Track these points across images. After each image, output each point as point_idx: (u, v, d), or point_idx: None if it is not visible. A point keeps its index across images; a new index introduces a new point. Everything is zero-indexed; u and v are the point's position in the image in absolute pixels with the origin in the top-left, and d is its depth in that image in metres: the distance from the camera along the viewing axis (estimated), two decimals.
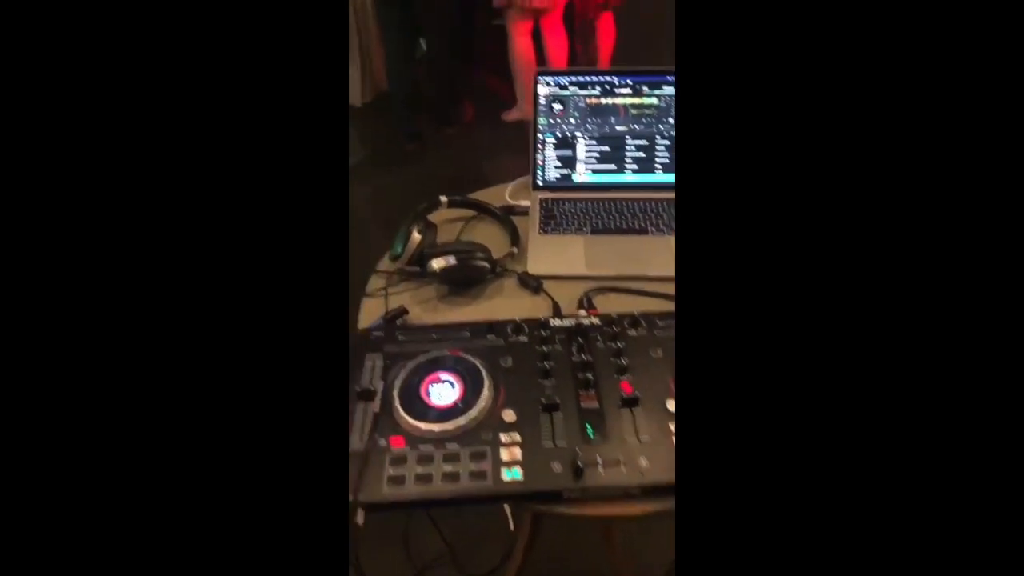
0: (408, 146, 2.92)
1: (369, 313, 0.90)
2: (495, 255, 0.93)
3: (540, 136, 1.11)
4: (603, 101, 1.08)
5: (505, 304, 0.92)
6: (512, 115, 3.06)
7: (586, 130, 1.10)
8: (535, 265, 0.97)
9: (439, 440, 0.69)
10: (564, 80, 1.09)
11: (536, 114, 1.10)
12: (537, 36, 2.81)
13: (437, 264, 0.88)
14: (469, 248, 0.90)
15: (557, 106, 1.09)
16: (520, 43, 2.78)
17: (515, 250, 0.98)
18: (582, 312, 0.86)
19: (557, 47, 2.86)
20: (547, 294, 0.92)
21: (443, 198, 1.05)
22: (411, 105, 2.90)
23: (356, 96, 3.27)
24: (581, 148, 1.11)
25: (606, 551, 1.30)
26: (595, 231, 1.03)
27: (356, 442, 0.68)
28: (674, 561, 0.70)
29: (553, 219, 1.06)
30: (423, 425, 0.69)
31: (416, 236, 0.91)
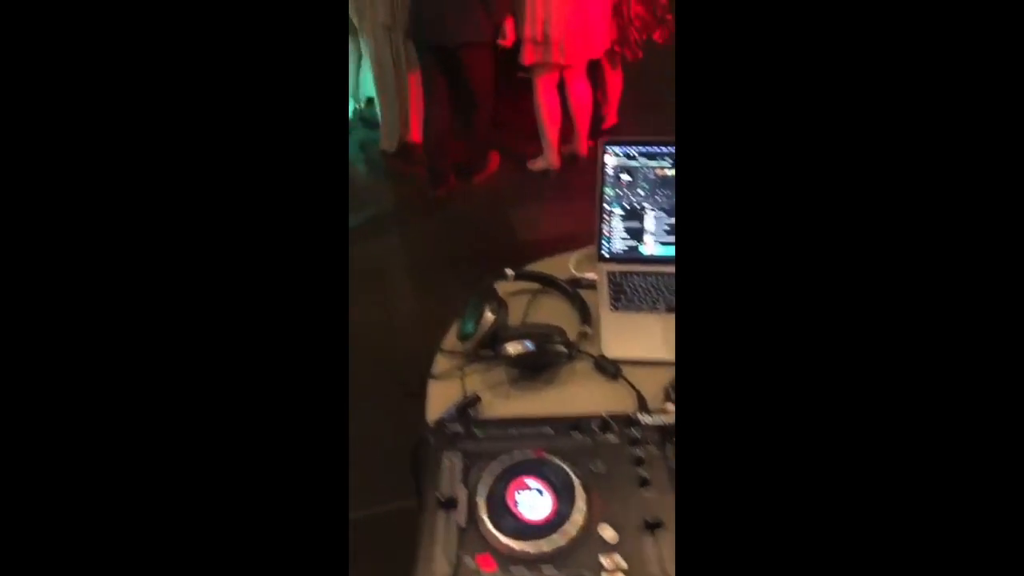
0: (436, 192, 2.90)
1: (439, 399, 0.84)
2: (567, 335, 0.87)
3: (607, 207, 1.07)
4: (673, 173, 1.04)
5: (581, 392, 0.86)
6: (538, 164, 3.07)
7: (655, 201, 1.06)
8: (611, 347, 0.91)
9: (533, 562, 0.62)
10: (633, 151, 1.05)
11: (602, 184, 1.06)
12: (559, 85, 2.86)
13: (513, 349, 0.83)
14: (546, 331, 0.85)
15: (625, 177, 1.05)
16: (547, 95, 2.83)
17: (588, 330, 0.93)
18: (670, 405, 0.79)
19: (581, 98, 2.91)
20: (626, 381, 0.86)
21: (509, 272, 1.00)
22: (442, 152, 2.90)
23: (391, 142, 3.27)
24: (650, 220, 1.06)
25: None
26: (671, 308, 0.97)
27: (441, 562, 0.61)
28: None
29: (624, 294, 1.00)
30: (515, 544, 0.62)
31: (489, 316, 0.86)
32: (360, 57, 3.24)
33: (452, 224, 2.74)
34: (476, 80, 2.68)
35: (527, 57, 2.69)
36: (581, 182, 3.03)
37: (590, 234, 1.09)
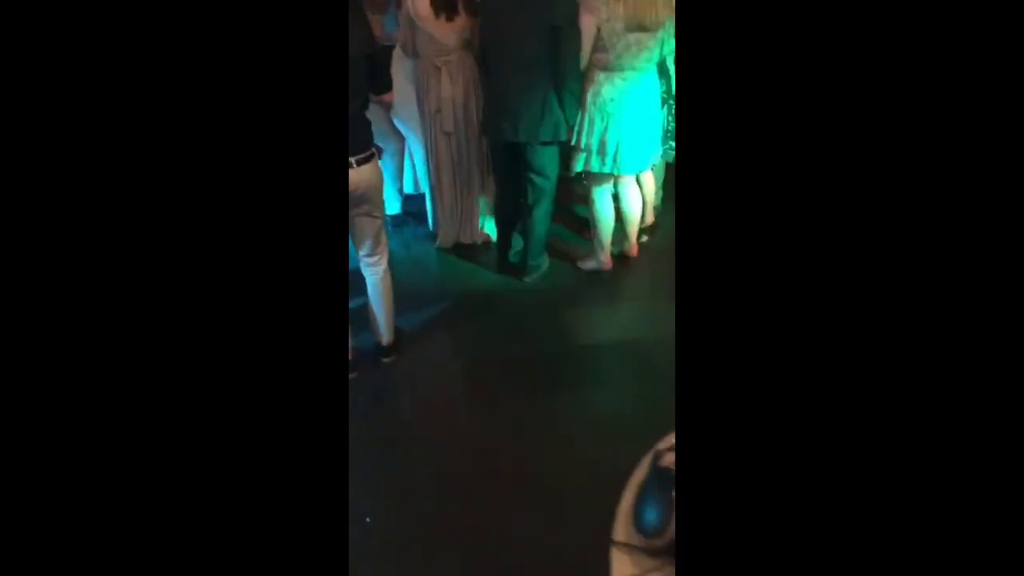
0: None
1: None
2: None
3: None
4: None
5: None
6: (588, 263, 3.10)
7: None
8: None
9: None
10: None
11: None
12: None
13: None
14: None
15: None
16: (603, 200, 2.90)
17: None
18: None
19: (633, 201, 3.00)
20: None
21: None
22: (507, 245, 2.98)
23: (449, 238, 3.32)
24: None
25: None
26: None
27: None
28: None
29: None
30: None
31: None
32: (406, 153, 3.32)
33: (508, 326, 2.73)
34: (545, 177, 2.79)
35: (586, 165, 2.77)
36: (634, 282, 3.05)
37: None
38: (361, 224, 2.15)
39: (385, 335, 2.37)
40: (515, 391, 2.28)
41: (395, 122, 3.13)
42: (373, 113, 2.98)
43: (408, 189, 3.47)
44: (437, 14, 2.74)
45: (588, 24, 2.44)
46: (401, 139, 3.21)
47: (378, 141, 3.14)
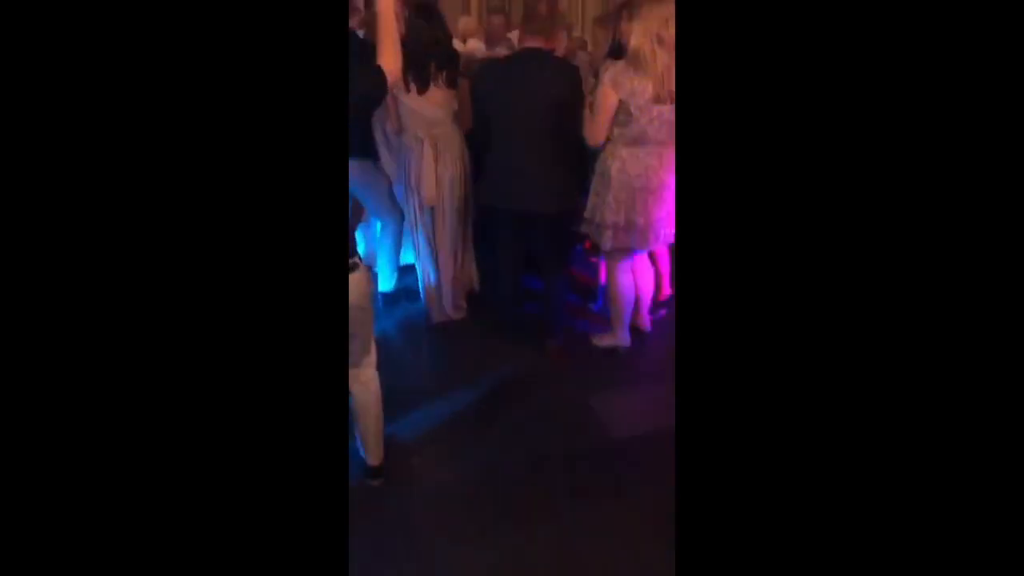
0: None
1: None
2: None
3: None
4: None
5: None
6: (605, 340, 2.83)
7: None
8: None
9: None
10: None
11: None
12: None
13: None
14: None
15: None
16: (623, 277, 2.66)
17: None
18: None
19: (646, 276, 2.79)
20: None
21: None
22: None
23: (441, 314, 3.05)
24: None
25: None
26: None
27: None
28: None
29: None
30: None
31: None
32: (400, 230, 3.07)
33: (518, 425, 2.39)
34: (552, 249, 2.60)
35: (608, 242, 2.50)
36: (653, 359, 2.73)
37: None
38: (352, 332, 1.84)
39: (373, 454, 2.05)
40: (522, 522, 1.93)
41: (396, 195, 2.91)
42: (374, 187, 2.82)
43: (405, 260, 3.22)
44: (408, 88, 2.52)
45: (609, 99, 2.27)
46: (400, 213, 2.97)
47: (379, 215, 2.98)
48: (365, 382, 1.94)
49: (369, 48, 1.68)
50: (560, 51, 2.26)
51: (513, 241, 2.68)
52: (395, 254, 3.17)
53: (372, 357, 1.94)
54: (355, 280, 1.70)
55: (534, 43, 2.40)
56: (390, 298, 3.21)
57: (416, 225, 2.84)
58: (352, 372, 1.91)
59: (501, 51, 2.51)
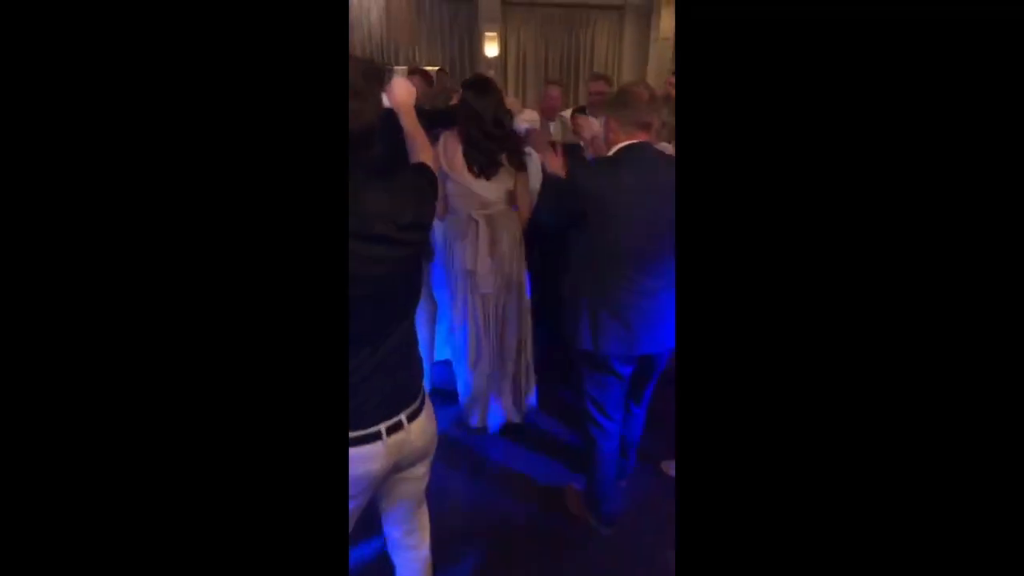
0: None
1: None
2: None
3: None
4: None
5: None
6: (674, 469, 2.30)
7: None
8: None
9: None
10: None
11: None
12: None
13: None
14: None
15: None
16: None
17: None
18: None
19: None
20: None
21: None
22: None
23: (482, 420, 2.60)
24: None
25: None
26: None
27: None
28: None
29: None
30: None
31: None
32: (434, 323, 2.69)
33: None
34: (643, 383, 2.06)
35: None
36: None
37: None
38: (401, 490, 1.35)
39: None
40: None
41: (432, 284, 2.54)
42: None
43: (439, 356, 2.82)
44: (473, 171, 2.19)
45: None
46: (434, 304, 2.60)
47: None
48: (420, 559, 1.49)
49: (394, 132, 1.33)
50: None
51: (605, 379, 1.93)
52: (429, 349, 2.79)
53: (426, 524, 1.48)
54: (427, 418, 1.26)
55: (634, 136, 1.68)
56: None
57: (463, 316, 2.45)
58: (407, 542, 1.46)
59: (597, 144, 2.10)
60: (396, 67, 2.55)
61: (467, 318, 2.42)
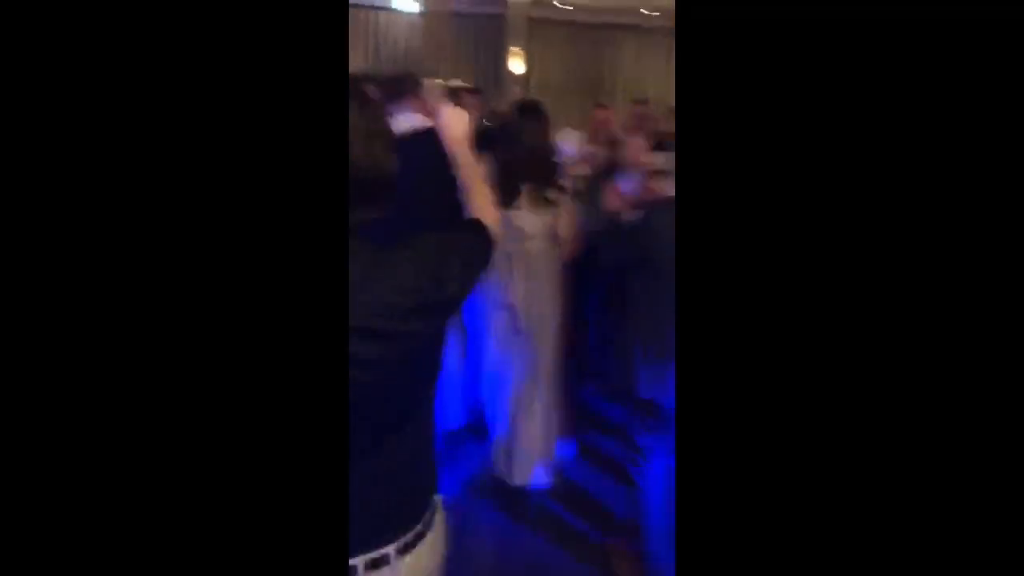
0: None
1: None
2: None
3: None
4: None
5: None
6: None
7: None
8: None
9: None
10: None
11: None
12: None
13: None
14: None
15: None
16: None
17: None
18: None
19: None
20: None
21: None
22: None
23: (523, 474, 2.40)
24: None
25: None
26: None
27: None
28: None
29: None
30: None
31: None
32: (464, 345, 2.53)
33: None
34: None
35: None
36: None
37: None
38: None
39: None
40: None
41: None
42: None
43: (469, 396, 2.65)
44: (512, 201, 2.05)
45: None
46: (464, 333, 2.45)
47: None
48: None
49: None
50: None
51: None
52: (456, 381, 2.62)
53: None
54: (429, 548, 0.91)
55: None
56: (453, 439, 2.63)
57: (497, 356, 2.29)
58: None
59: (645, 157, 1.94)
60: (426, 80, 2.34)
61: (502, 359, 2.27)
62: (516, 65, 6.64)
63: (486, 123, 2.36)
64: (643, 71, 7.32)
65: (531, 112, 2.03)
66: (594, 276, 2.30)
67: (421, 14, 6.59)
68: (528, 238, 2.11)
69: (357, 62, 6.42)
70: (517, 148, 2.00)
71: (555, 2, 6.64)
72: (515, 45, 6.62)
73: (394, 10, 6.55)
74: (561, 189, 2.11)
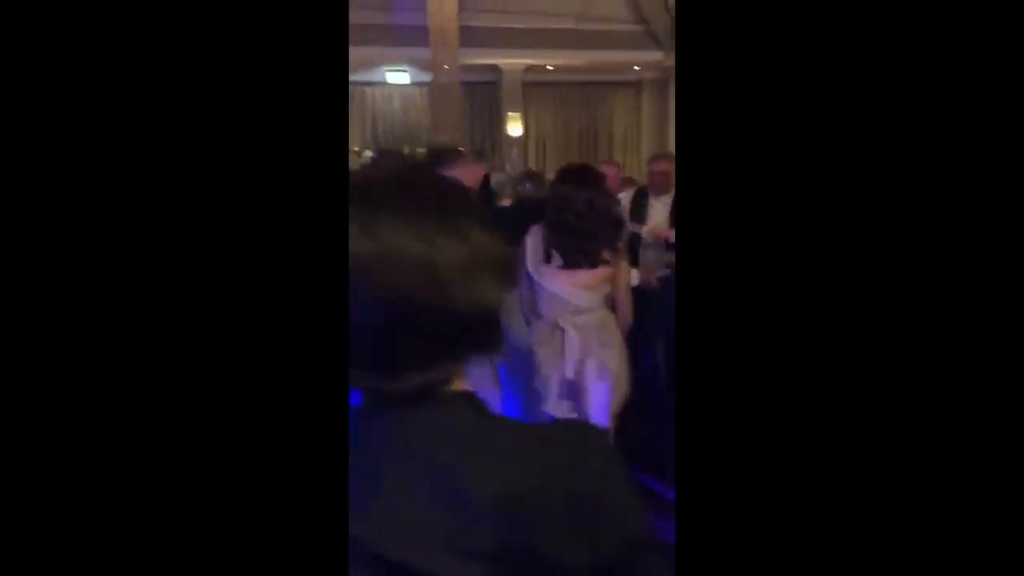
0: None
1: None
2: None
3: None
4: None
5: None
6: None
7: None
8: None
9: None
10: None
11: None
12: None
13: None
14: None
15: None
16: None
17: None
18: None
19: None
20: None
21: None
22: None
23: None
24: None
25: None
26: None
27: None
28: None
29: None
30: None
31: None
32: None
33: None
34: None
35: None
36: None
37: None
38: None
39: None
40: None
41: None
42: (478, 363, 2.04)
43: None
44: (561, 269, 1.87)
45: None
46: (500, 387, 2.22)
47: (483, 391, 2.16)
48: None
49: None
50: None
51: None
52: None
53: None
54: None
55: None
56: None
57: None
58: None
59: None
60: (448, 150, 2.21)
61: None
62: (514, 129, 6.67)
63: (530, 188, 2.20)
64: (638, 125, 7.41)
65: (579, 177, 1.88)
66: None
67: (415, 85, 6.66)
68: (584, 310, 1.93)
69: (356, 137, 6.43)
70: (567, 212, 1.84)
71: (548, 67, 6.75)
72: (512, 110, 6.66)
73: (389, 84, 6.62)
74: (620, 252, 1.94)
